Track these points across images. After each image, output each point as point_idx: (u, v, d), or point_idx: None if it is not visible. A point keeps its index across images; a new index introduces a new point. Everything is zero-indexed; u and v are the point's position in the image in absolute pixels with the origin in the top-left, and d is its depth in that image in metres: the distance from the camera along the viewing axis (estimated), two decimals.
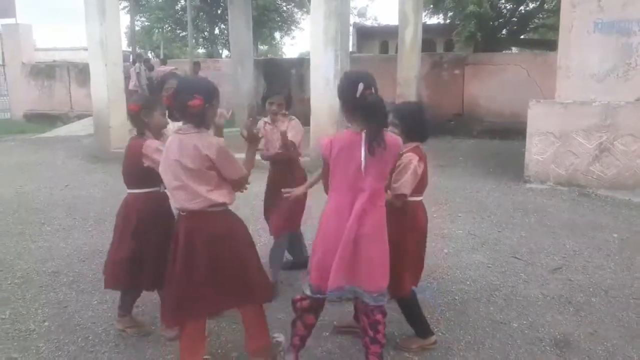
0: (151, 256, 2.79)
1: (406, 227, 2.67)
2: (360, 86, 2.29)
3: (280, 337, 2.76)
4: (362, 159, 2.30)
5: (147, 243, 2.80)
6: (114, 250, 2.91)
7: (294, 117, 3.63)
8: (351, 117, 2.40)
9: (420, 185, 2.75)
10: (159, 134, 2.90)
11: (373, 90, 2.33)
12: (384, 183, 2.44)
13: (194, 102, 2.28)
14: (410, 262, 2.74)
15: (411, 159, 2.62)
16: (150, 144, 2.75)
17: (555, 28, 10.66)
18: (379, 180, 2.38)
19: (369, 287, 2.37)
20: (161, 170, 2.45)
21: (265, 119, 3.69)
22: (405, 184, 2.60)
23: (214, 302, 2.46)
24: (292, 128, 3.48)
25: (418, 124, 2.77)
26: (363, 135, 2.31)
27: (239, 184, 2.49)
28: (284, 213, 3.50)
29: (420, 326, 2.86)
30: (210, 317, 2.77)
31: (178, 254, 2.42)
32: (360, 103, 2.30)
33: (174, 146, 2.36)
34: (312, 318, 2.55)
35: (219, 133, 2.55)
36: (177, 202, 2.42)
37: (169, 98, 2.41)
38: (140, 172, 2.79)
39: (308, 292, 2.46)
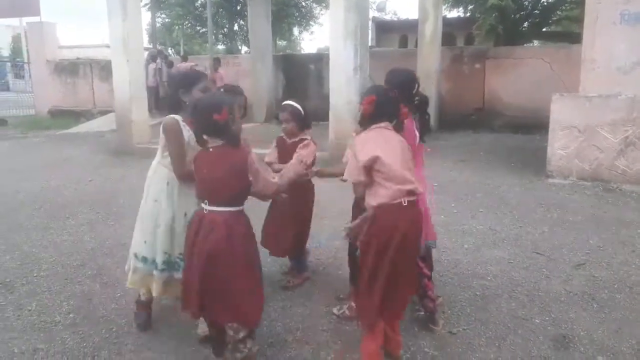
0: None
1: None
2: (416, 85, 2.90)
3: None
4: (417, 140, 2.88)
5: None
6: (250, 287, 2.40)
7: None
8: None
9: None
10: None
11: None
12: None
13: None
14: None
15: None
16: (254, 156, 2.39)
17: (579, 20, 10.42)
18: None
19: (434, 237, 3.07)
20: (388, 155, 2.39)
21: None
22: None
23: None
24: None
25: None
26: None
27: None
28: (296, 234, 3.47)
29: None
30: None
31: (393, 250, 2.35)
32: (413, 98, 2.87)
33: (389, 137, 2.48)
34: None
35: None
36: (411, 185, 2.40)
37: (371, 106, 2.47)
38: (246, 188, 2.39)
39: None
